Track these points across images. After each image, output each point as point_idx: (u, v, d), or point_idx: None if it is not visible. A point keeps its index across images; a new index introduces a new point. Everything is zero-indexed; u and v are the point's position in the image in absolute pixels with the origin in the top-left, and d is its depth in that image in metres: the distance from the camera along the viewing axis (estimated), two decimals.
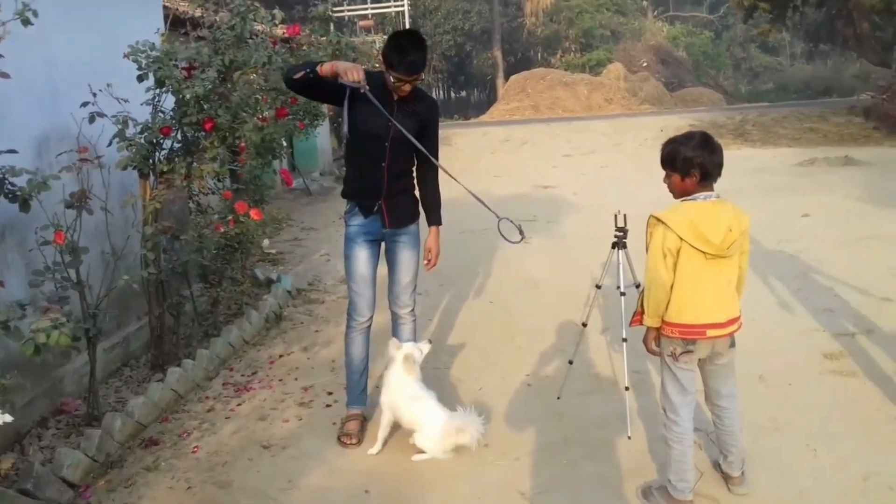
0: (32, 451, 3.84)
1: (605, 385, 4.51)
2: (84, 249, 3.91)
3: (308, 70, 3.60)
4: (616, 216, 4.01)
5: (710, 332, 3.01)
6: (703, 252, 2.94)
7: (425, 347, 3.97)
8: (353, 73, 3.51)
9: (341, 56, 6.73)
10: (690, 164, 2.98)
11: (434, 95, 4.47)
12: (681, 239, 2.94)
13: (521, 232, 3.77)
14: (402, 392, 3.77)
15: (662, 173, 3.12)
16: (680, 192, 3.07)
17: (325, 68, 3.55)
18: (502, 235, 3.78)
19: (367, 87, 3.56)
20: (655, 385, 4.34)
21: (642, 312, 3.16)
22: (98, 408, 4.17)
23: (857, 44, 22.01)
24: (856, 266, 6.59)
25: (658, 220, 3.01)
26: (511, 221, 3.74)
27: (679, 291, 2.99)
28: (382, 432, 3.84)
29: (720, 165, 3.03)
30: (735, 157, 13.41)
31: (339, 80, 3.53)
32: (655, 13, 43.54)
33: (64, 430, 4.10)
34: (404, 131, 3.64)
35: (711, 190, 3.04)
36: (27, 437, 3.95)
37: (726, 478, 3.31)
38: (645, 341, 3.19)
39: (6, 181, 3.56)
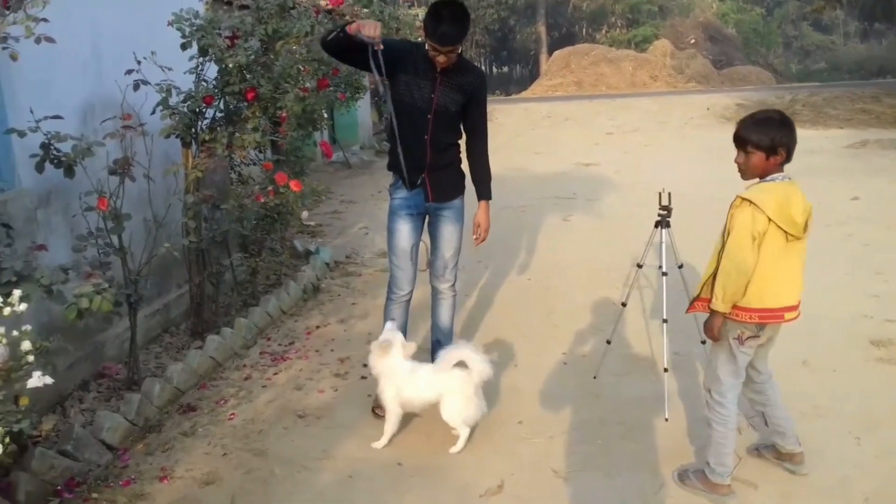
0: (73, 413, 3.91)
1: (643, 366, 4.45)
2: (127, 216, 3.95)
3: (339, 30, 3.57)
4: (660, 194, 3.92)
5: (788, 315, 2.94)
6: (787, 233, 2.84)
7: (410, 347, 3.71)
8: (368, 28, 3.45)
9: (384, 27, 6.67)
10: (779, 143, 2.87)
11: None
12: (769, 220, 2.83)
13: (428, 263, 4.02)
14: (400, 372, 3.58)
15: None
16: (759, 172, 2.93)
17: (352, 26, 3.51)
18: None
19: (381, 46, 3.51)
20: (694, 367, 4.28)
21: (706, 299, 3.03)
22: (138, 373, 4.23)
23: None
24: None
25: (748, 200, 2.86)
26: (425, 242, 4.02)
27: (760, 275, 2.88)
28: (391, 428, 3.64)
29: (796, 145, 2.95)
30: None
31: (357, 35, 3.48)
32: None
33: (104, 394, 4.17)
34: (390, 104, 3.70)
35: (783, 171, 2.95)
36: (69, 400, 4.03)
37: (789, 456, 3.23)
38: (710, 327, 3.03)
39: (52, 147, 3.61)
